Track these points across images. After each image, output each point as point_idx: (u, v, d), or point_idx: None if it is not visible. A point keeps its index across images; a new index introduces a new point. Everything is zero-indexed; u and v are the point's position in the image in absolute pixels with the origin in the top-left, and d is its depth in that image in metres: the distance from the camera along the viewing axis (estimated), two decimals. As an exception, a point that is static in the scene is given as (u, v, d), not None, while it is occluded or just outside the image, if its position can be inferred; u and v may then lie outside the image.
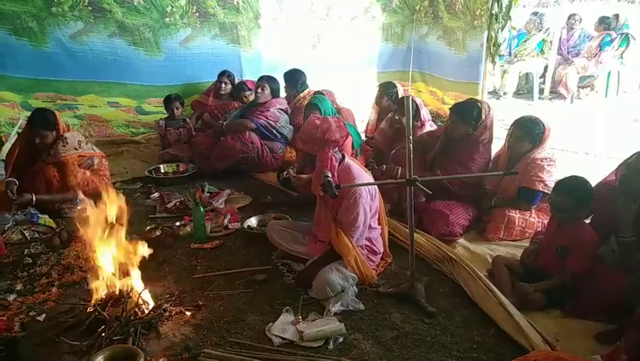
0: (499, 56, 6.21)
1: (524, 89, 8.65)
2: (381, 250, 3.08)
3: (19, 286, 2.95)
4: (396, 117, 4.27)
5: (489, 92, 6.72)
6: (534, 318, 2.50)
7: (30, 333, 2.46)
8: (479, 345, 2.42)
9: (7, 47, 5.22)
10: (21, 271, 3.13)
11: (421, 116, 4.25)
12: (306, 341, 2.41)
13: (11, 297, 2.82)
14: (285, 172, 4.41)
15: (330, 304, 2.67)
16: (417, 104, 4.21)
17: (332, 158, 2.88)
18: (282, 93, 5.33)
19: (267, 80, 5.10)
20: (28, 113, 5.19)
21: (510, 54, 8.51)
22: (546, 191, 3.27)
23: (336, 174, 2.85)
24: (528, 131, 3.37)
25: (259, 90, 5.02)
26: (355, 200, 2.82)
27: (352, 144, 4.24)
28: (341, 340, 2.44)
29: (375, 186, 3.02)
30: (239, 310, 2.72)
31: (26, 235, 3.55)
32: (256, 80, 5.26)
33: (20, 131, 4.04)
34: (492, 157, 3.75)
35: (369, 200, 2.91)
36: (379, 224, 3.09)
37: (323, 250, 2.97)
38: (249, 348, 2.39)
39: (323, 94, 4.83)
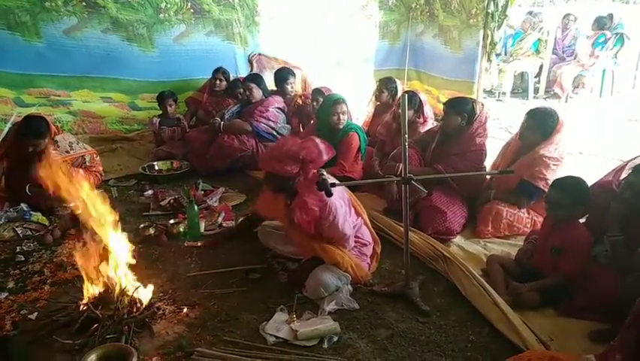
0: (496, 54, 6.22)
1: (520, 89, 8.67)
2: (370, 240, 3.06)
3: (10, 284, 2.92)
4: (400, 111, 4.25)
5: (485, 92, 6.73)
6: (528, 317, 2.51)
7: (21, 332, 2.45)
8: (473, 344, 2.42)
9: (0, 42, 5.18)
10: (13, 268, 3.10)
11: (425, 113, 4.25)
12: (300, 340, 2.41)
13: (2, 295, 2.80)
14: None
15: (324, 304, 2.66)
16: (421, 100, 4.21)
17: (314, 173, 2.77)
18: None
19: (253, 80, 5.08)
20: (21, 110, 5.18)
21: (505, 53, 8.52)
22: (546, 190, 3.27)
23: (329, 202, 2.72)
24: (540, 122, 3.37)
25: (247, 93, 5.01)
26: (334, 215, 2.72)
27: (359, 148, 4.25)
28: (335, 339, 2.43)
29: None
30: (233, 308, 2.71)
31: (18, 232, 3.51)
32: (245, 80, 5.25)
33: (12, 127, 3.99)
34: (501, 147, 3.79)
35: (343, 204, 2.83)
36: (357, 215, 3.04)
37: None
38: (243, 347, 2.37)
39: (321, 91, 4.82)
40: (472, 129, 3.65)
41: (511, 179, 3.44)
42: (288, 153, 2.76)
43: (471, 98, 3.88)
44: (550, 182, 3.22)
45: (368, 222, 3.14)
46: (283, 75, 5.41)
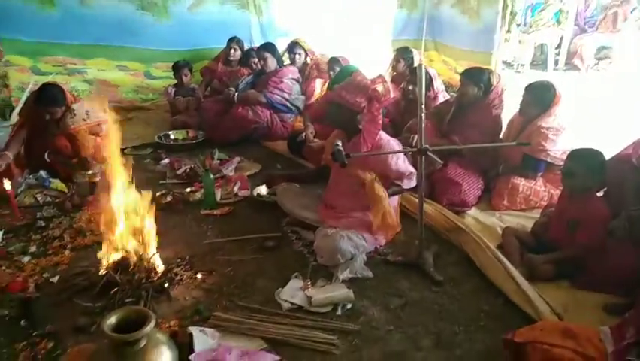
0: (516, 25, 6.10)
1: (539, 60, 8.49)
2: (393, 221, 3.08)
3: (32, 249, 2.99)
4: (410, 87, 4.20)
5: (504, 63, 6.61)
6: (543, 289, 2.50)
7: (44, 294, 2.51)
8: (486, 314, 2.43)
9: (16, 11, 5.20)
10: (34, 233, 3.17)
11: (434, 87, 4.20)
12: (314, 307, 2.44)
13: (25, 259, 2.87)
14: (303, 133, 4.38)
15: (338, 271, 2.68)
16: (430, 75, 4.15)
17: (379, 116, 2.87)
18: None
19: (268, 49, 5.02)
20: (38, 78, 5.22)
21: (525, 24, 8.32)
22: (549, 160, 3.30)
23: (382, 137, 2.90)
24: (538, 96, 3.37)
25: (262, 62, 4.96)
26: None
27: None
28: (349, 306, 2.46)
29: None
30: (248, 275, 2.75)
31: (38, 198, 3.58)
32: (259, 49, 5.20)
33: (30, 95, 4.02)
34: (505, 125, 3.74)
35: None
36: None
37: (334, 216, 2.97)
38: (258, 312, 2.41)
39: (339, 60, 4.77)
40: (489, 100, 3.62)
41: (516, 154, 3.44)
42: (358, 85, 2.89)
43: (488, 69, 3.84)
44: (551, 152, 3.28)
45: (399, 207, 3.18)
46: (289, 46, 5.38)
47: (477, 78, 3.62)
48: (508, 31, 5.86)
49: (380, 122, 2.95)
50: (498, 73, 3.76)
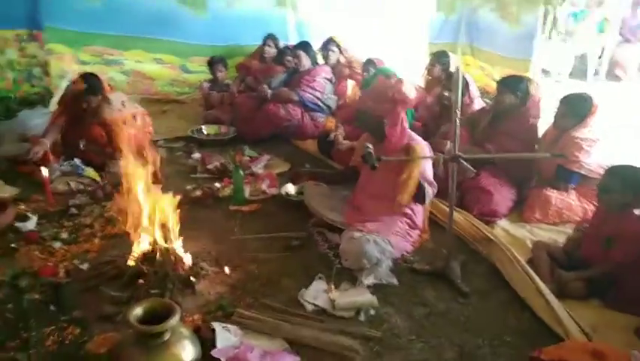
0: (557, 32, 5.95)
1: (579, 70, 8.26)
2: (420, 225, 3.05)
3: (64, 235, 3.05)
4: (445, 93, 4.14)
5: (542, 72, 6.46)
6: (572, 307, 2.43)
7: (73, 280, 2.57)
8: (512, 329, 2.38)
9: (59, 0, 5.31)
10: (66, 220, 3.24)
11: (471, 93, 4.12)
12: (337, 310, 2.43)
13: (57, 245, 2.94)
14: (332, 134, 4.37)
15: (363, 276, 2.66)
16: (467, 81, 4.08)
17: (404, 118, 2.91)
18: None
19: (303, 48, 5.03)
20: (78, 67, 5.33)
21: (566, 32, 8.10)
22: (582, 172, 3.23)
23: (405, 137, 2.94)
24: (573, 107, 3.31)
25: (296, 61, 4.97)
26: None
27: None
28: (372, 312, 2.44)
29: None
30: (273, 273, 2.75)
31: (72, 185, 3.66)
32: (294, 48, 5.22)
33: (69, 84, 4.12)
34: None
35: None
36: None
37: (361, 219, 2.96)
38: (281, 312, 2.42)
39: (374, 62, 4.75)
40: (526, 109, 3.55)
41: (549, 166, 3.37)
42: (381, 91, 2.98)
43: (526, 77, 3.76)
44: (585, 164, 3.21)
45: (427, 212, 3.16)
46: (324, 43, 5.39)
47: (514, 86, 3.55)
48: (549, 38, 5.71)
49: (406, 123, 2.99)
50: (536, 81, 3.67)
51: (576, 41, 7.83)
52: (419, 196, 2.92)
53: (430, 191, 2.95)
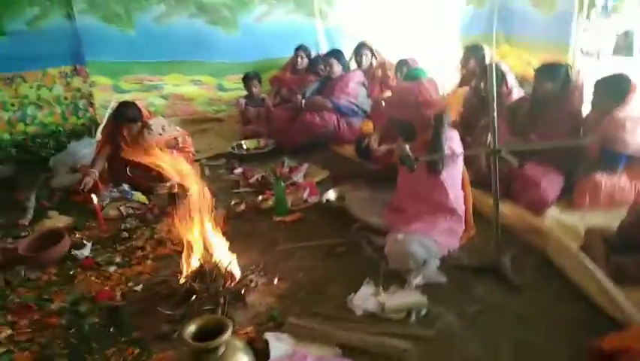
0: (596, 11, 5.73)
1: (621, 48, 7.93)
2: (463, 216, 3.01)
3: (118, 259, 3.16)
4: (482, 85, 4.07)
5: (583, 53, 6.24)
6: (631, 293, 2.32)
7: (129, 302, 2.65)
8: (568, 320, 2.30)
9: (98, 34, 5.56)
10: (119, 244, 3.36)
11: (508, 83, 4.04)
12: (387, 313, 2.42)
13: (112, 269, 3.05)
14: (366, 140, 4.36)
15: (411, 277, 2.64)
16: (503, 71, 4.01)
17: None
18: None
19: (334, 55, 5.06)
20: (119, 96, 5.55)
21: (606, 9, 7.80)
22: (629, 153, 3.10)
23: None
24: (610, 89, 3.21)
25: (328, 68, 5.00)
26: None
27: None
28: (423, 312, 2.42)
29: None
30: (320, 281, 2.77)
31: (122, 210, 3.79)
32: (325, 56, 5.28)
33: (110, 113, 4.30)
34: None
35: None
36: (463, 190, 3.04)
37: (404, 220, 2.93)
38: (331, 318, 2.42)
39: (407, 62, 4.72)
40: (568, 96, 3.44)
41: (595, 150, 3.25)
42: (400, 97, 3.01)
43: (565, 63, 3.64)
44: (631, 143, 3.09)
45: (470, 206, 3.10)
46: (356, 48, 5.42)
47: (552, 74, 3.45)
48: (587, 17, 5.51)
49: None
50: (576, 66, 3.56)
51: (617, 18, 7.53)
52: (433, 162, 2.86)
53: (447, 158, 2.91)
